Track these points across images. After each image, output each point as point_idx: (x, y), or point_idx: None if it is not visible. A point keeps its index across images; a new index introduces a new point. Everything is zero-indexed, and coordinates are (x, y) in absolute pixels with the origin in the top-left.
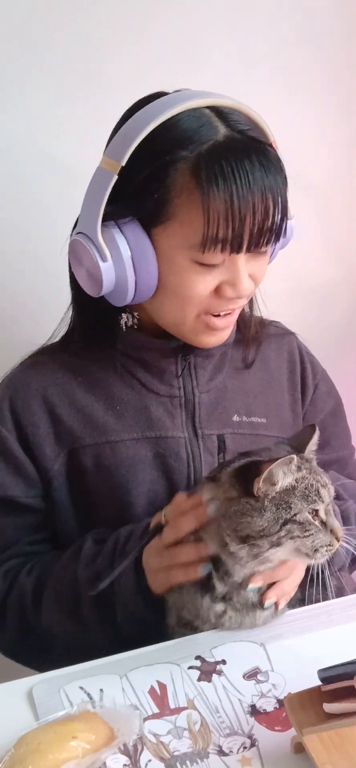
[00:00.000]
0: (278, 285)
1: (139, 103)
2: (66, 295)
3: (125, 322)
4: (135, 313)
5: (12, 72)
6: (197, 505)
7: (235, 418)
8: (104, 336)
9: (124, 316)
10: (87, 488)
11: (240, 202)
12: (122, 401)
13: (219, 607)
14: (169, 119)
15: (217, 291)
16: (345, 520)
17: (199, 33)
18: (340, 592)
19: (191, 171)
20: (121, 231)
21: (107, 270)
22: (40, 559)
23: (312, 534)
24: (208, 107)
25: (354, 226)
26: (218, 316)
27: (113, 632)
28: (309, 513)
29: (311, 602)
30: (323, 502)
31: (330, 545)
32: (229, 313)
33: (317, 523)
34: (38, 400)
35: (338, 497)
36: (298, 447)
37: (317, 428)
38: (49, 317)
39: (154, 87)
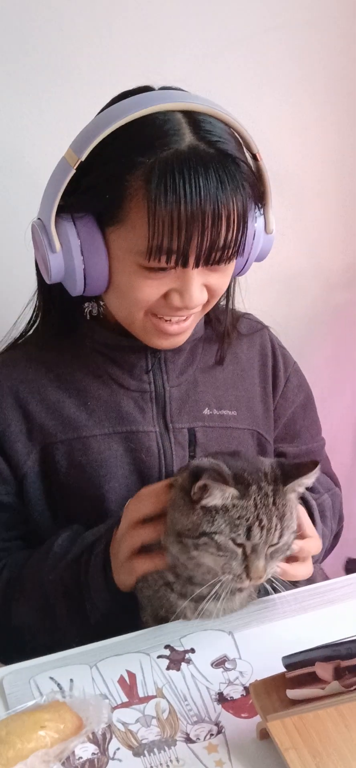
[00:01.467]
0: (251, 276)
1: (120, 95)
2: (29, 286)
3: (90, 311)
4: (101, 302)
5: None
6: (158, 492)
7: (206, 411)
8: (74, 331)
9: (88, 305)
10: (60, 484)
11: (187, 217)
12: (93, 397)
13: (181, 602)
14: (137, 120)
15: (166, 297)
16: (322, 514)
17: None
18: (311, 582)
19: (145, 177)
20: (74, 225)
21: (56, 260)
22: (11, 558)
23: (225, 558)
24: (182, 111)
25: (325, 219)
26: (169, 321)
27: (84, 629)
28: (230, 539)
29: (283, 590)
30: (249, 540)
31: (239, 577)
32: (183, 320)
33: (239, 552)
34: (9, 398)
35: (313, 490)
36: (286, 474)
37: (318, 468)
38: (14, 306)
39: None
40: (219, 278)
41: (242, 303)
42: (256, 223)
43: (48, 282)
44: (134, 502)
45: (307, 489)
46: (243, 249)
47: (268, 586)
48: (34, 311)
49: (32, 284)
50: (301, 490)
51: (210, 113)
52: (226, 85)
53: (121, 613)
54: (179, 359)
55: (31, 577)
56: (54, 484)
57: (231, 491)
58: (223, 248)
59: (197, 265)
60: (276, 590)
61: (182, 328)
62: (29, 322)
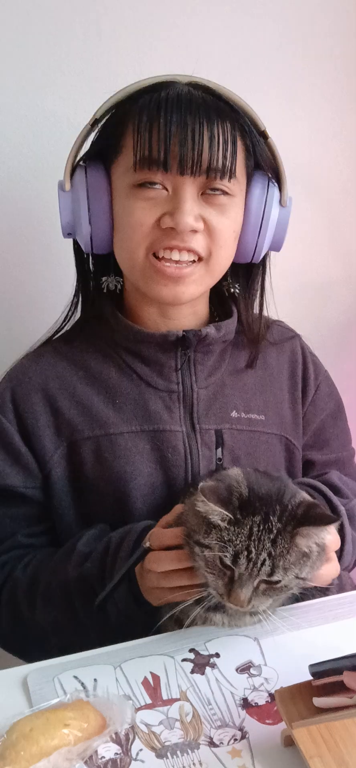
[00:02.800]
0: (282, 283)
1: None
2: (68, 287)
3: (107, 285)
4: (119, 278)
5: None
6: (177, 536)
7: (233, 414)
8: (105, 330)
9: (106, 278)
10: (86, 480)
11: (167, 127)
12: (121, 395)
13: (212, 615)
14: (147, 86)
15: (160, 224)
16: (351, 518)
17: (199, 34)
18: (341, 590)
19: (139, 107)
20: (85, 171)
21: (65, 199)
22: (36, 554)
23: (212, 574)
24: (188, 83)
25: None
26: (168, 261)
27: (104, 629)
28: (218, 558)
29: (312, 598)
30: (235, 568)
31: (221, 596)
32: (183, 266)
33: (227, 573)
34: (39, 392)
35: (342, 495)
36: (303, 518)
37: (332, 525)
38: (53, 310)
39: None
40: (217, 216)
41: (275, 309)
42: (267, 194)
43: (64, 231)
44: (154, 556)
45: (335, 494)
46: (232, 174)
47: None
48: (70, 306)
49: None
50: (317, 540)
51: (215, 87)
52: (252, 97)
53: (142, 614)
54: (208, 361)
55: (55, 575)
56: (80, 480)
57: (224, 514)
58: (209, 167)
59: (180, 173)
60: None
61: (181, 273)
62: (65, 317)
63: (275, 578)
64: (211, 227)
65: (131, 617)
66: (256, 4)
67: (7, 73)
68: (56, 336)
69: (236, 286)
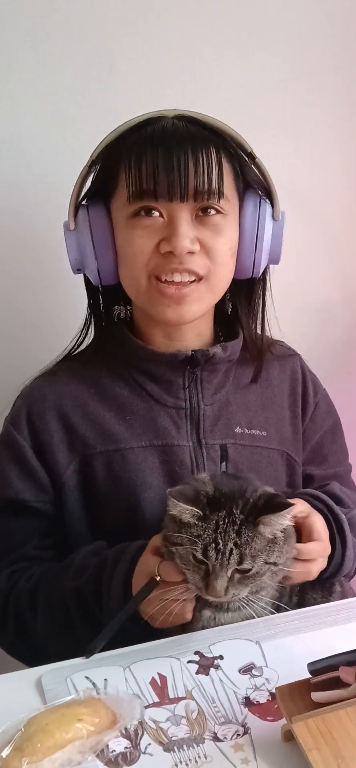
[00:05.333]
0: (283, 303)
1: None
2: (82, 311)
3: (118, 314)
4: (128, 307)
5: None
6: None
7: (237, 429)
8: (115, 349)
9: (117, 308)
10: (98, 493)
11: (155, 159)
12: (131, 411)
13: (206, 612)
14: (137, 123)
15: (159, 249)
16: (353, 526)
17: (201, 64)
18: (343, 598)
19: (128, 146)
20: (87, 210)
21: (70, 238)
22: (41, 567)
23: (189, 570)
24: (174, 116)
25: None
26: (170, 283)
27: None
28: (191, 554)
29: (315, 604)
30: (206, 560)
31: (200, 590)
32: (183, 285)
33: (202, 567)
34: (54, 410)
35: (343, 505)
36: (263, 508)
37: (289, 509)
38: (68, 329)
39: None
40: (212, 236)
41: (278, 327)
42: (260, 211)
43: (73, 268)
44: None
45: (337, 503)
46: (220, 195)
47: (247, 606)
48: (82, 328)
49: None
50: (280, 527)
51: (200, 118)
52: (257, 130)
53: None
54: (214, 379)
55: (55, 588)
56: (92, 493)
57: (193, 511)
58: (196, 190)
59: (170, 200)
60: (257, 613)
61: (182, 293)
62: (77, 338)
63: (245, 566)
64: (207, 247)
65: (126, 630)
66: (259, 37)
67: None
68: (70, 356)
69: (238, 302)
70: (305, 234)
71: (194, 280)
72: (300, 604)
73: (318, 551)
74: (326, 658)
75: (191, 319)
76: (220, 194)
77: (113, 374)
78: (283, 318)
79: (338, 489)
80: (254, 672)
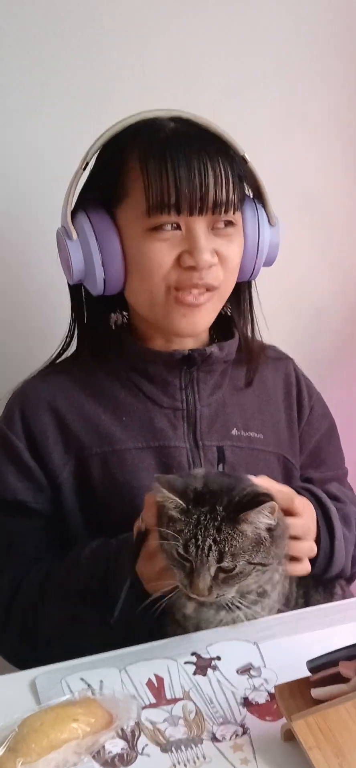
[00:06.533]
0: (276, 301)
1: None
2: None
3: (115, 321)
4: (125, 313)
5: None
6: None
7: (234, 431)
8: (111, 350)
9: (114, 315)
10: (95, 495)
11: (175, 171)
12: (128, 412)
13: (190, 604)
14: (132, 125)
15: (179, 262)
16: (346, 522)
17: (199, 59)
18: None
19: (138, 154)
20: (87, 215)
21: (74, 248)
22: (43, 566)
23: (174, 566)
24: (170, 118)
25: (352, 244)
26: (188, 293)
27: (109, 633)
28: (174, 549)
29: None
30: (186, 555)
31: (185, 587)
32: (199, 293)
33: (186, 565)
34: (48, 409)
35: (338, 500)
36: (247, 505)
37: (268, 505)
38: (59, 330)
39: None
40: (226, 246)
41: (269, 329)
42: (258, 215)
43: (71, 281)
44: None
45: (331, 498)
46: (236, 207)
47: (233, 608)
48: (67, 334)
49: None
50: (262, 525)
51: (194, 119)
52: (250, 118)
53: (146, 619)
54: (210, 380)
55: (60, 584)
56: (88, 496)
57: (176, 502)
58: (215, 203)
59: (190, 213)
60: (246, 617)
61: (199, 302)
62: (62, 345)
63: (226, 564)
64: (223, 257)
65: (135, 623)
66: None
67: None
68: (63, 359)
69: (229, 304)
70: (300, 228)
71: (208, 290)
72: (302, 604)
73: (300, 527)
74: (325, 654)
75: (202, 330)
76: (235, 206)
77: (109, 375)
78: (278, 323)
79: (335, 488)
80: (252, 672)
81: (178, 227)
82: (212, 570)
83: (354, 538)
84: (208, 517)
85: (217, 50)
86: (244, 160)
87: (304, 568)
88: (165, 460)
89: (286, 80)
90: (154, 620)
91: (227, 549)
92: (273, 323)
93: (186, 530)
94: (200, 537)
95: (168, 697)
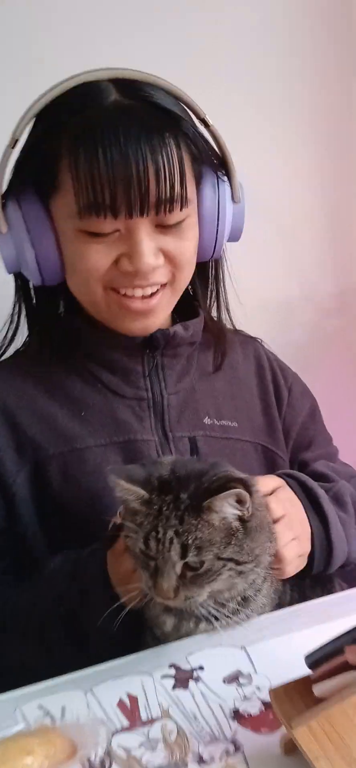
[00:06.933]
0: (241, 302)
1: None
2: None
3: (66, 307)
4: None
5: None
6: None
7: (206, 420)
8: (65, 339)
9: (61, 304)
10: (53, 502)
11: (108, 169)
12: (87, 406)
13: (168, 619)
14: (65, 92)
15: (118, 265)
16: (339, 502)
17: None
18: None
19: (68, 138)
20: (18, 203)
21: (4, 241)
22: (2, 593)
23: (140, 567)
24: (111, 80)
25: (316, 245)
26: (132, 297)
27: (80, 652)
28: (138, 547)
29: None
30: (150, 552)
31: (150, 589)
32: (148, 296)
33: (151, 564)
34: None
35: (328, 480)
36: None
37: (234, 491)
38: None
39: None
40: (175, 242)
41: (242, 306)
42: (219, 192)
43: (8, 271)
44: None
45: (320, 480)
46: (184, 203)
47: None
48: (9, 326)
49: None
50: (231, 513)
51: (143, 79)
52: (213, 111)
53: (119, 634)
54: (176, 365)
55: (24, 607)
56: (47, 502)
57: (138, 493)
58: (158, 202)
59: (129, 215)
60: (216, 619)
61: (149, 306)
62: (6, 336)
63: (191, 559)
64: (171, 256)
65: (109, 631)
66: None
67: None
68: (16, 351)
69: (194, 282)
70: (264, 230)
71: (158, 289)
72: (297, 600)
73: (280, 530)
74: (326, 644)
75: (158, 326)
76: (183, 201)
77: (64, 366)
78: (243, 316)
79: (323, 466)
80: (241, 680)
81: (118, 229)
82: (178, 567)
83: (352, 518)
84: (171, 506)
85: (178, 35)
86: (205, 123)
87: (287, 570)
88: (132, 455)
89: (251, 74)
90: (130, 636)
91: (190, 542)
92: (239, 319)
93: (146, 522)
94: (160, 529)
95: (144, 718)
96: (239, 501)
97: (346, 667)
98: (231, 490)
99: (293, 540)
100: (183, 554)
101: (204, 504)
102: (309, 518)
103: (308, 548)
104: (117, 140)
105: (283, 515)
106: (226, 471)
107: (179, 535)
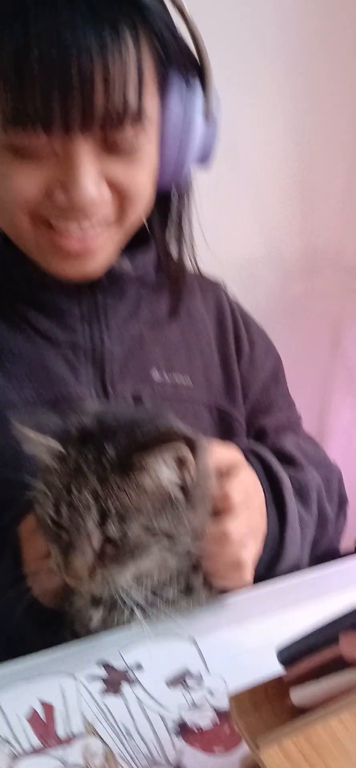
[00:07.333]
0: (205, 263)
1: None
2: None
3: None
4: None
5: None
6: None
7: (154, 374)
8: None
9: None
10: None
11: (40, 61)
12: (10, 353)
13: (96, 613)
14: None
15: (50, 196)
16: (303, 495)
17: None
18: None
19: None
20: None
21: None
22: None
23: (50, 536)
24: None
25: (282, 202)
26: (67, 236)
27: None
28: (46, 514)
29: None
30: (59, 518)
31: (60, 570)
32: (87, 236)
33: (62, 536)
34: None
35: (296, 464)
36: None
37: (174, 444)
38: None
39: None
40: (125, 169)
41: (209, 252)
42: (187, 101)
43: None
44: None
45: (287, 462)
46: (139, 118)
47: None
48: None
49: None
50: (167, 478)
51: None
52: None
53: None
54: (121, 306)
55: None
56: None
57: (49, 446)
58: (106, 115)
59: (66, 131)
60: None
61: (87, 247)
62: None
63: (111, 530)
64: (120, 186)
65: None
66: None
67: None
68: None
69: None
70: (227, 178)
71: (101, 228)
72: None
73: (238, 523)
74: (309, 633)
75: (98, 270)
76: (139, 115)
77: None
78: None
79: (293, 446)
80: (188, 682)
81: (53, 149)
82: (95, 540)
83: (314, 519)
84: (91, 463)
85: None
86: (180, 11)
87: (246, 579)
88: (64, 414)
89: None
90: (49, 636)
91: (112, 507)
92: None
93: (58, 482)
94: (75, 491)
95: (61, 734)
96: (181, 463)
97: (338, 664)
98: (168, 444)
99: (250, 539)
100: (102, 522)
101: (134, 461)
102: (267, 511)
103: (260, 548)
104: (54, 27)
105: (243, 501)
106: (169, 424)
107: (99, 499)
